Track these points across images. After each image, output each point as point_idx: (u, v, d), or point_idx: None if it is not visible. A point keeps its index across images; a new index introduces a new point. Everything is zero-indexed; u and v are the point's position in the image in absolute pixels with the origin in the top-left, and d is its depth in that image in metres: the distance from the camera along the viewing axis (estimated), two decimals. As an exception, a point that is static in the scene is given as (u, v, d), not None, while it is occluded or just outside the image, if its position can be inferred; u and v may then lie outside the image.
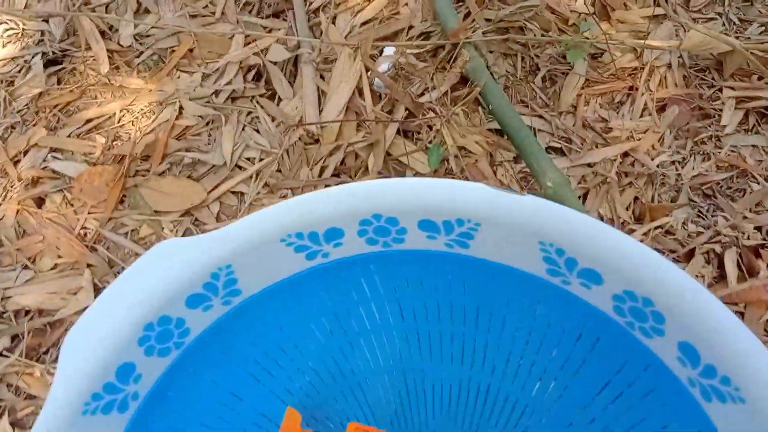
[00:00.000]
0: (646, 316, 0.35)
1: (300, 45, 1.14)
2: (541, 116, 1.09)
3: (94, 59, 1.25)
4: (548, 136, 1.06)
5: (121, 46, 1.26)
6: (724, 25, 1.16)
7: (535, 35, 1.12)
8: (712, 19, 1.19)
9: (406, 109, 1.01)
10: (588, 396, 0.45)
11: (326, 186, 0.98)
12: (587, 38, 1.03)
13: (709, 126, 1.05)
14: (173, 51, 1.24)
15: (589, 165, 1.01)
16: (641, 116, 1.07)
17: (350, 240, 0.41)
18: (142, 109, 1.17)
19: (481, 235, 0.38)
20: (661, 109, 1.09)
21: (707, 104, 1.07)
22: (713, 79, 1.11)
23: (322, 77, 1.12)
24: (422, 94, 1.05)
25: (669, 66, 1.12)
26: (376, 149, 0.97)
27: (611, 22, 1.15)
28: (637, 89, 1.10)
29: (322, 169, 1.00)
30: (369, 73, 1.06)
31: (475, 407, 0.54)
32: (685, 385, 0.35)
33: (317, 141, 1.03)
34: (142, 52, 1.25)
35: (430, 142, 1.00)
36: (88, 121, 1.16)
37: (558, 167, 0.87)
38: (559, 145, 1.04)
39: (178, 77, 1.21)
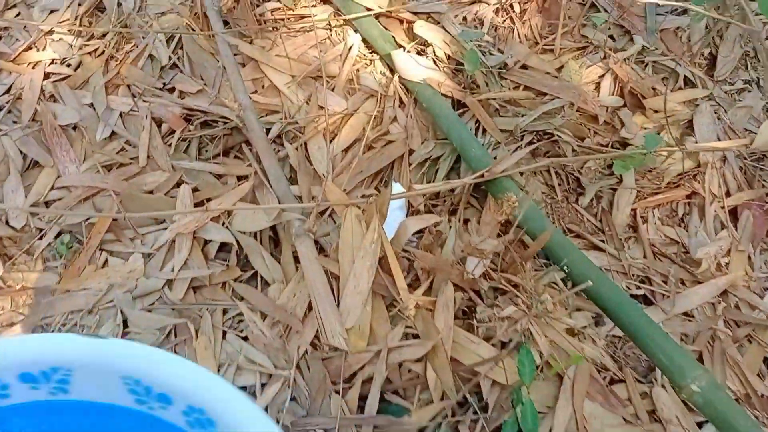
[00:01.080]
0: (204, 425, 0.42)
1: (280, 201, 0.85)
2: (599, 247, 0.87)
3: (-27, 253, 0.88)
4: (621, 277, 0.84)
5: (12, 228, 0.90)
6: (762, 98, 1.01)
7: (574, 150, 0.90)
8: (743, 89, 1.03)
9: (457, 286, 0.76)
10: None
11: (374, 427, 0.70)
12: (646, 151, 0.82)
13: (794, 232, 0.88)
14: (91, 225, 0.89)
15: (686, 315, 0.81)
16: (715, 231, 0.88)
17: None
18: (63, 325, 0.82)
19: (76, 379, 0.43)
20: (732, 215, 0.91)
21: (781, 203, 0.91)
22: (775, 168, 0.94)
23: (321, 248, 0.83)
24: (464, 258, 0.80)
25: (724, 159, 0.94)
26: (434, 358, 0.71)
27: (646, 113, 0.96)
28: (696, 194, 0.92)
29: (361, 396, 0.72)
30: (391, 240, 0.78)
31: None
32: None
33: (337, 348, 0.74)
34: (44, 232, 0.89)
35: (487, 321, 0.74)
36: (-16, 357, 0.79)
37: (697, 361, 0.65)
38: (639, 291, 0.83)
39: (106, 263, 0.87)
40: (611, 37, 1.06)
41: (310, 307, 0.78)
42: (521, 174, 0.89)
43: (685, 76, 1.00)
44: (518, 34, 1.04)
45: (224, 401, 0.40)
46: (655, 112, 0.97)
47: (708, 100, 0.99)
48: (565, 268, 0.74)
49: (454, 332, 0.72)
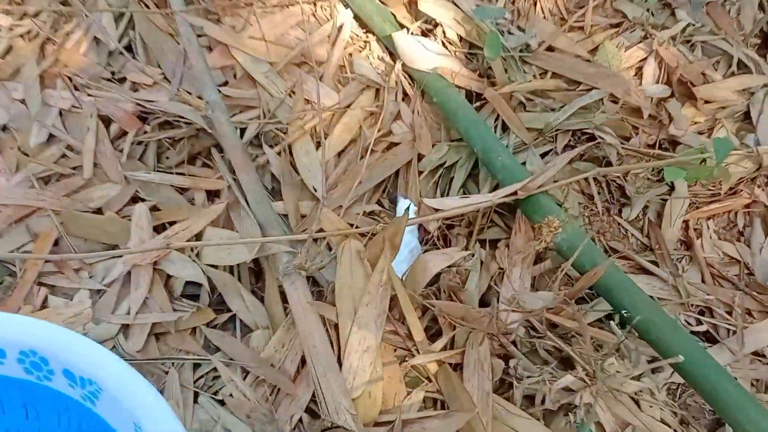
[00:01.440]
0: (39, 366, 0.44)
1: (262, 227, 0.68)
2: (649, 271, 0.72)
3: None
4: (678, 308, 0.70)
5: (-76, 260, 0.72)
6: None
7: (619, 153, 0.74)
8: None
9: (493, 336, 0.60)
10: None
11: None
12: (705, 157, 0.67)
13: None
14: (27, 256, 0.71)
15: (757, 355, 0.67)
16: (784, 248, 0.74)
17: None
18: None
19: None
20: (800, 228, 0.77)
21: None
22: None
23: (315, 282, 0.67)
24: (489, 289, 0.64)
25: (789, 160, 0.79)
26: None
27: (697, 105, 0.81)
28: (757, 202, 0.77)
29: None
30: (403, 278, 0.62)
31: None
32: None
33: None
34: (-34, 264, 0.72)
35: (525, 377, 0.60)
36: None
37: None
38: (701, 327, 0.69)
39: (45, 303, 0.70)
40: (649, 11, 0.89)
41: (303, 361, 0.63)
42: (554, 181, 0.73)
43: (739, 59, 0.85)
44: (541, 8, 0.87)
45: (47, 338, 0.42)
46: (706, 102, 0.81)
47: (765, 87, 0.84)
48: (625, 314, 0.59)
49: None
